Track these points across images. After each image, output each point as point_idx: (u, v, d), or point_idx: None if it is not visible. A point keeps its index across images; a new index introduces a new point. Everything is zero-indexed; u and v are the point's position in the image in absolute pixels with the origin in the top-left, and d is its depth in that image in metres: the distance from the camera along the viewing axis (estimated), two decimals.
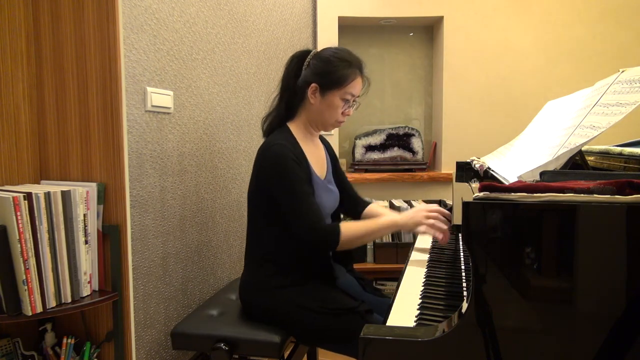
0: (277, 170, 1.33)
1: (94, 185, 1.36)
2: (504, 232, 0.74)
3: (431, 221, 1.33)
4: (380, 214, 1.61)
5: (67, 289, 1.30)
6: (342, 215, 1.69)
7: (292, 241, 1.38)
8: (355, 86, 1.41)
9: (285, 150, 1.33)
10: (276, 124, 1.48)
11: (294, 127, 1.46)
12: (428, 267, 1.30)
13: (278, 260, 1.40)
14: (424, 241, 1.61)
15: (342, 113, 1.44)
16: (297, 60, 1.46)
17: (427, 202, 2.76)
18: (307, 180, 1.36)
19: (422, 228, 1.34)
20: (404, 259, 1.39)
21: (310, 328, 1.34)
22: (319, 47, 2.74)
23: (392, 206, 2.68)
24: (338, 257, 1.59)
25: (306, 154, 1.42)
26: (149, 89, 1.48)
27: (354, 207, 1.67)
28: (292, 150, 1.35)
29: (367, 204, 1.68)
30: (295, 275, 1.39)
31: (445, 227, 1.33)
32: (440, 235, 1.32)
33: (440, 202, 2.75)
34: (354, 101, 1.45)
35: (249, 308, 1.44)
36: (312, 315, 1.33)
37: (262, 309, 1.40)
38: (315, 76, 1.40)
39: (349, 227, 1.34)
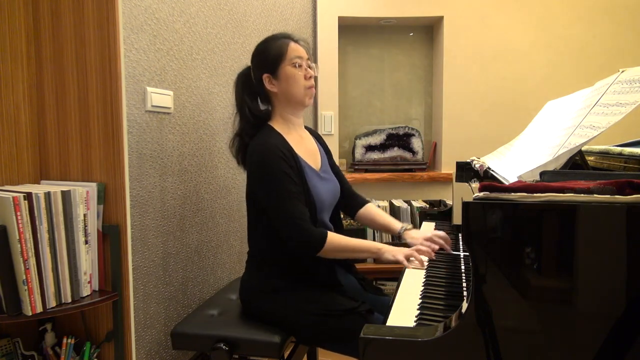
0: (262, 169, 1.32)
1: (94, 185, 1.36)
2: (504, 232, 0.74)
3: (402, 259, 1.31)
4: (382, 220, 1.61)
5: (67, 289, 1.30)
6: (341, 214, 1.69)
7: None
8: (295, 50, 1.42)
9: (270, 147, 1.32)
10: (243, 144, 1.46)
11: (275, 124, 1.45)
12: (428, 267, 1.30)
13: (277, 263, 1.40)
14: None
15: (305, 77, 1.42)
16: (243, 78, 1.48)
17: (427, 202, 2.76)
18: (295, 177, 1.34)
19: (401, 261, 1.33)
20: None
21: (311, 330, 1.34)
22: (319, 47, 2.74)
23: (392, 206, 2.68)
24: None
25: (294, 146, 1.41)
26: (149, 89, 1.48)
27: (349, 204, 1.65)
28: (278, 147, 1.34)
29: (364, 202, 1.66)
30: (295, 278, 1.39)
31: (424, 257, 1.32)
32: (409, 265, 1.31)
33: (441, 202, 2.75)
34: (308, 66, 1.44)
35: (249, 309, 1.44)
36: (313, 318, 1.33)
37: (262, 310, 1.39)
38: (260, 69, 1.43)
39: (335, 238, 1.32)
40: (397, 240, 1.55)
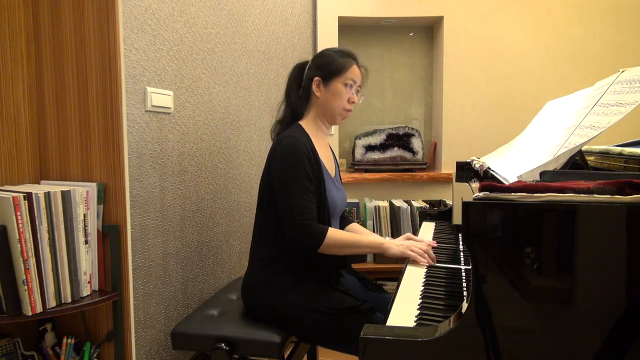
0: (285, 159, 1.36)
1: (94, 185, 1.36)
2: (504, 232, 0.74)
3: (414, 255, 1.33)
4: (362, 234, 1.63)
5: (67, 289, 1.30)
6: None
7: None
8: (354, 72, 1.49)
9: (297, 142, 1.38)
10: (284, 129, 1.53)
11: (305, 124, 1.51)
12: (428, 267, 1.30)
13: (284, 259, 1.41)
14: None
15: (348, 100, 1.50)
16: (299, 69, 1.56)
17: (427, 202, 2.76)
18: (314, 175, 1.38)
19: (408, 255, 1.35)
20: (404, 258, 1.39)
21: (313, 328, 1.35)
22: (319, 47, 2.74)
23: (392, 206, 2.68)
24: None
25: (318, 150, 1.46)
26: (149, 89, 1.48)
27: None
28: (305, 144, 1.39)
29: (349, 221, 1.70)
30: (300, 274, 1.40)
31: (428, 259, 1.33)
32: (422, 260, 1.33)
33: (440, 202, 2.75)
34: (357, 91, 1.52)
35: (251, 308, 1.44)
36: (315, 316, 1.33)
37: (265, 309, 1.40)
38: (316, 71, 1.50)
39: (336, 234, 1.35)
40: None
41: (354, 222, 1.72)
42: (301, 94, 1.53)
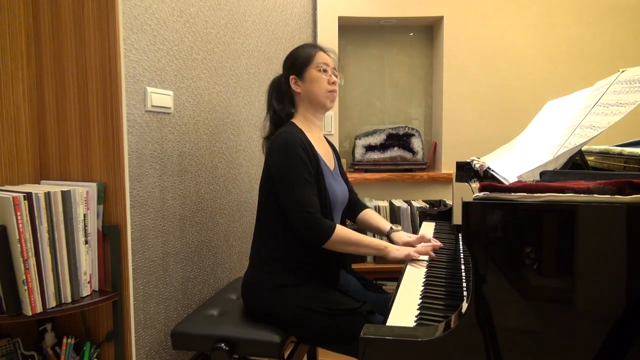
0: (283, 154, 1.37)
1: (94, 185, 1.36)
2: (504, 232, 0.74)
3: (413, 257, 1.37)
4: (374, 222, 1.65)
5: (67, 289, 1.30)
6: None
7: (297, 238, 1.39)
8: (322, 57, 1.53)
9: (292, 136, 1.40)
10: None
11: (297, 121, 1.52)
12: (428, 267, 1.30)
13: (284, 259, 1.41)
14: None
15: (328, 82, 1.51)
16: (276, 84, 1.60)
17: (427, 202, 2.76)
18: (313, 168, 1.39)
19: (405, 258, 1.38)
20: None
21: (313, 328, 1.35)
22: None
23: (392, 206, 2.68)
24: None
25: (313, 144, 1.47)
26: (149, 89, 1.48)
27: (352, 208, 1.71)
28: (300, 138, 1.41)
29: (364, 207, 1.72)
30: (300, 274, 1.40)
31: (424, 255, 1.36)
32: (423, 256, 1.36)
33: (440, 202, 2.75)
34: (333, 74, 1.54)
35: (251, 308, 1.45)
36: (315, 316, 1.33)
37: (265, 309, 1.40)
38: (289, 71, 1.54)
39: (343, 230, 1.37)
40: (387, 240, 1.60)
41: (368, 207, 1.73)
42: (284, 99, 1.56)
